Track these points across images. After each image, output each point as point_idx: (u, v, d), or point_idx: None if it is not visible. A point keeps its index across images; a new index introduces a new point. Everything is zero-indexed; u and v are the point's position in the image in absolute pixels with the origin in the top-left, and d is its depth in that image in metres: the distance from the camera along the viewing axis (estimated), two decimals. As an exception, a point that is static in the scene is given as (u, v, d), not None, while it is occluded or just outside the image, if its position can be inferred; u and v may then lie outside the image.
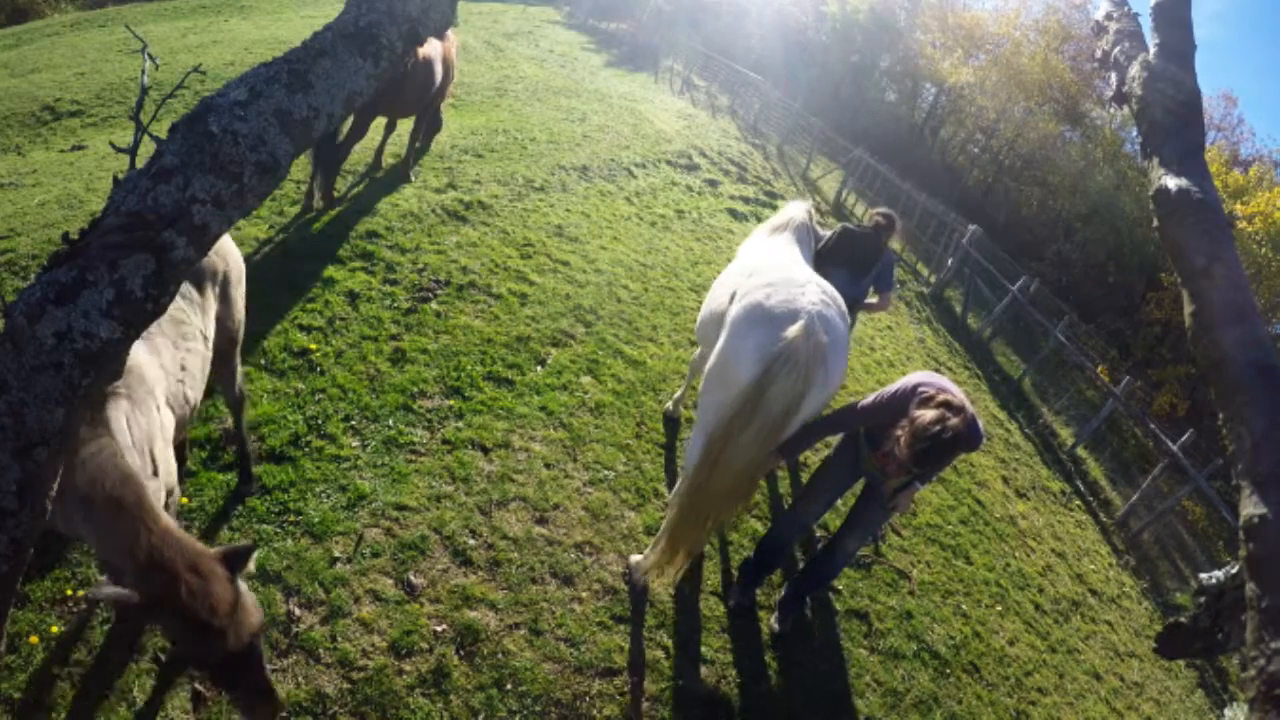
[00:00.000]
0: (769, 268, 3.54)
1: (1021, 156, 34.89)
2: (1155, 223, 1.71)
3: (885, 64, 38.50)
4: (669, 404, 4.93)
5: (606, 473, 4.23)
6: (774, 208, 10.45)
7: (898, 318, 10.26)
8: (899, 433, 2.82)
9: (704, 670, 3.39)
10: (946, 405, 2.79)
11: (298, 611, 2.97)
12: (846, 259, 4.76)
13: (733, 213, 10.15)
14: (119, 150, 1.62)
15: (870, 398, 3.15)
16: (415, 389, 4.33)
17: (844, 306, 3.48)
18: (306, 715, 2.66)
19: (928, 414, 2.77)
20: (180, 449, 3.06)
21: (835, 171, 19.01)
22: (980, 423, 3.02)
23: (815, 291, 3.26)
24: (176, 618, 1.74)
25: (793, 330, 3.05)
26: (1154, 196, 1.71)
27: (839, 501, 4.20)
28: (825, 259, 4.79)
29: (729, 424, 3.07)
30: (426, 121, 7.09)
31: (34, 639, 2.58)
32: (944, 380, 3.06)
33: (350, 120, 5.86)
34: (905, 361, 8.43)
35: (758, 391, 3.03)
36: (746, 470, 3.09)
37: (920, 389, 2.95)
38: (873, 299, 5.10)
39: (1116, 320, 26.24)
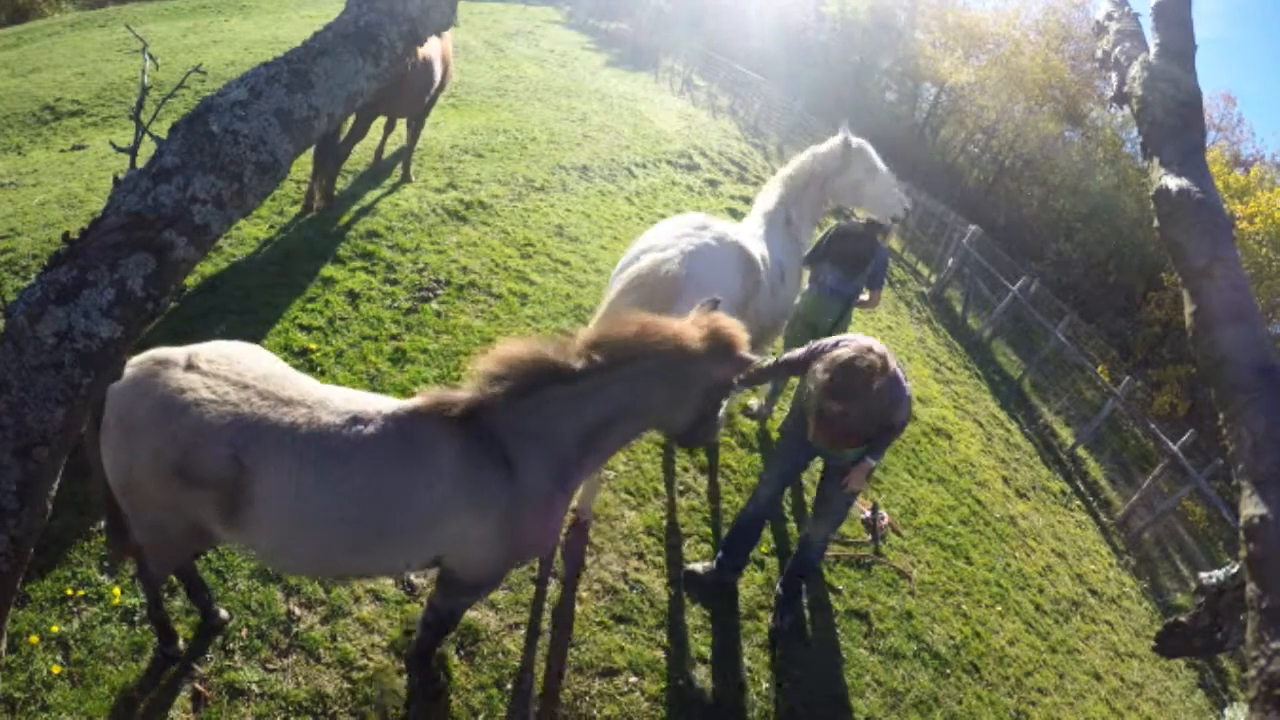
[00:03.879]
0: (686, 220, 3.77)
1: (1022, 156, 34.88)
2: (1156, 223, 1.71)
3: (885, 64, 38.46)
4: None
5: (607, 473, 4.23)
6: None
7: (898, 317, 10.26)
8: (817, 364, 2.89)
9: (704, 670, 3.39)
10: (868, 349, 2.88)
11: (298, 611, 2.97)
12: (840, 257, 4.76)
13: (733, 213, 10.14)
14: (119, 150, 1.62)
15: (803, 349, 3.21)
16: (416, 389, 4.33)
17: (749, 246, 3.68)
18: (306, 715, 2.66)
19: (845, 350, 2.85)
20: None
21: (835, 171, 18.95)
22: (908, 387, 3.08)
23: (706, 235, 3.47)
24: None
25: (646, 259, 3.30)
26: (1155, 196, 1.71)
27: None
28: (819, 257, 4.81)
29: None
30: (418, 121, 7.06)
31: (34, 639, 2.58)
32: (875, 341, 3.11)
33: (351, 120, 5.86)
34: (905, 362, 8.42)
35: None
36: None
37: (844, 341, 3.03)
38: (864, 296, 5.09)
39: (1116, 320, 26.23)
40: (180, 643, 2.69)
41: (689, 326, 2.31)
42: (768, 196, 4.45)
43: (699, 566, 3.81)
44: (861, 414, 2.89)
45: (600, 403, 2.21)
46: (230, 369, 2.08)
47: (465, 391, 2.18)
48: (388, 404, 2.18)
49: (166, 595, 2.85)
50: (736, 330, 2.36)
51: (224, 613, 2.85)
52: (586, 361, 2.16)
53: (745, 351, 2.35)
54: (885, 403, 2.96)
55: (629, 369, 2.20)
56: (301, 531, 2.06)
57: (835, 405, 2.82)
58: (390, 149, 7.38)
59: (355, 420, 2.08)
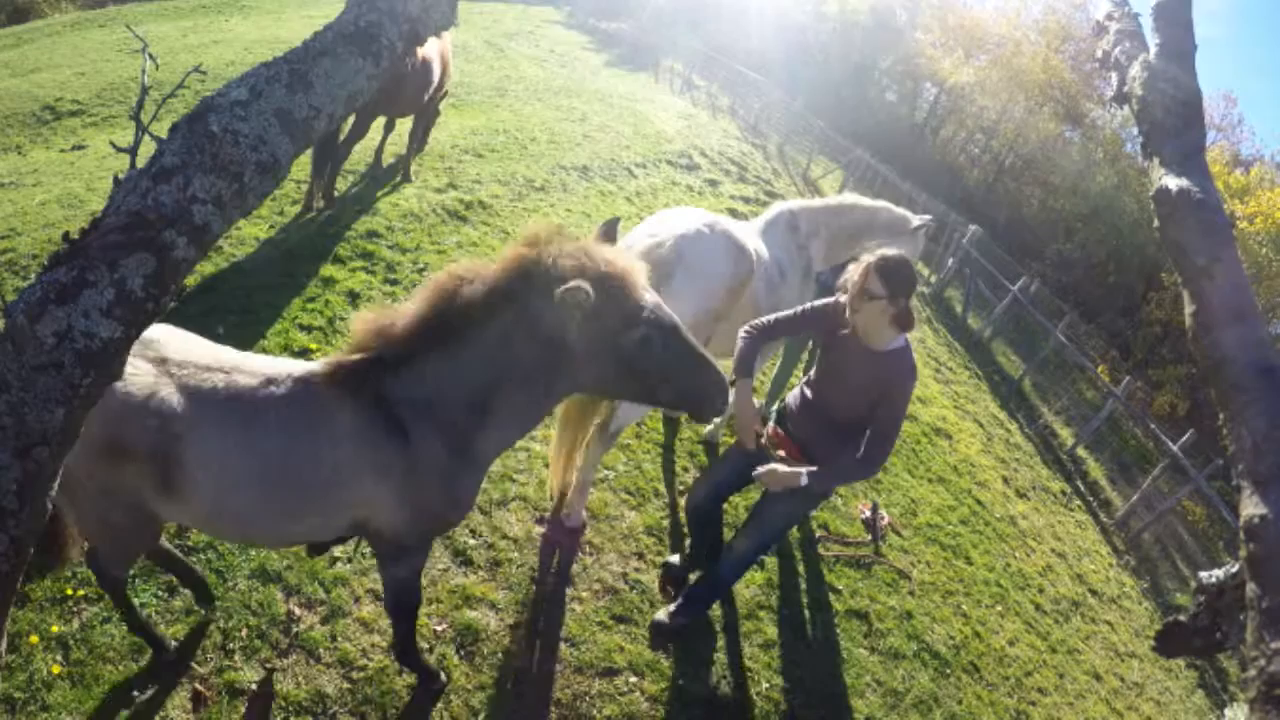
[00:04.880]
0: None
1: (1022, 156, 34.90)
2: (1156, 223, 1.71)
3: (886, 64, 38.48)
4: (669, 404, 4.92)
5: (607, 473, 4.23)
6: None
7: (898, 318, 10.25)
8: (849, 275, 2.72)
9: (704, 670, 3.39)
10: None
11: (298, 611, 2.97)
12: None
13: (733, 213, 10.13)
14: (119, 150, 1.62)
15: (783, 313, 3.04)
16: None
17: (739, 235, 3.72)
18: (307, 715, 2.66)
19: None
20: None
21: (836, 171, 19.02)
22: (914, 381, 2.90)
23: (698, 222, 3.58)
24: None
25: (639, 245, 3.41)
26: (1155, 197, 1.71)
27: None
28: None
29: None
30: (425, 120, 7.10)
31: (34, 639, 2.58)
32: None
33: (351, 120, 5.87)
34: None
35: None
36: None
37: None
38: None
39: (1117, 320, 26.25)
40: (172, 644, 2.70)
41: (498, 266, 2.09)
42: (788, 203, 4.41)
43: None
44: (892, 319, 2.66)
45: (476, 370, 2.13)
46: (141, 350, 2.09)
47: (353, 358, 2.17)
48: (297, 367, 2.20)
49: (165, 595, 2.85)
50: (543, 229, 2.06)
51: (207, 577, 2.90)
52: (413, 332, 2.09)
53: (554, 247, 2.01)
54: (901, 359, 2.74)
55: (480, 332, 2.10)
56: (232, 494, 2.10)
57: (879, 286, 2.64)
58: (390, 149, 7.39)
59: (269, 382, 2.12)
